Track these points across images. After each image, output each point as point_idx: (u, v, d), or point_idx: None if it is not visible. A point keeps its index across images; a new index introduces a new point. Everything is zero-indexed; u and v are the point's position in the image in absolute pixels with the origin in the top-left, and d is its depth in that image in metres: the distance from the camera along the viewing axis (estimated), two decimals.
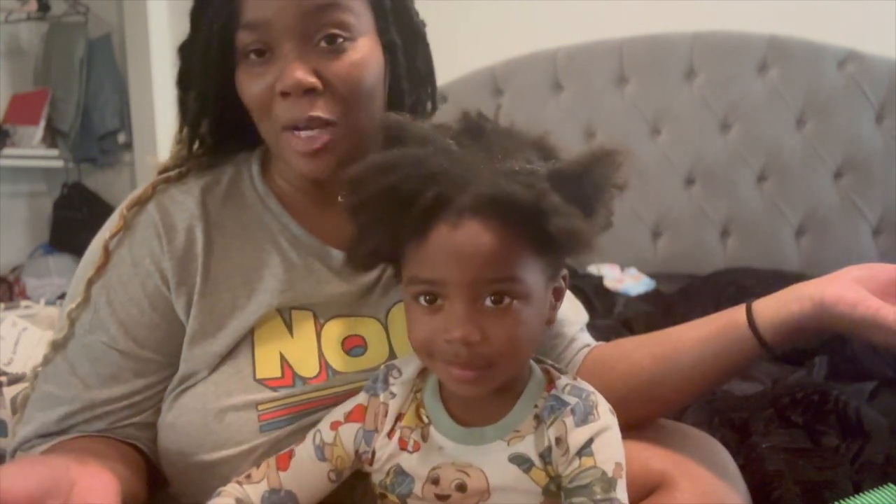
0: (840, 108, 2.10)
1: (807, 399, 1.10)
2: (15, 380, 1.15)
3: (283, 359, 0.73)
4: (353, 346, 0.76)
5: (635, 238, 2.26)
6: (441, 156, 0.58)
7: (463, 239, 0.56)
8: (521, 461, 0.61)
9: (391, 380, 0.67)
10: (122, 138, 3.05)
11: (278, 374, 0.72)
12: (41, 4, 2.85)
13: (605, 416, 0.61)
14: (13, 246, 2.98)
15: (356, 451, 0.66)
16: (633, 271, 2.12)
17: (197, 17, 0.73)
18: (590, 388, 0.63)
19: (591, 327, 1.63)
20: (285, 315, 0.75)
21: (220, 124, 0.78)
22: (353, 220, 0.62)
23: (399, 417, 0.65)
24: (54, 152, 2.97)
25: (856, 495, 0.65)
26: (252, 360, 0.72)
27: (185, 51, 0.76)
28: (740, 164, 2.18)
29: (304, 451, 0.66)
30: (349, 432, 0.66)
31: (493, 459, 0.61)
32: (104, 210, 0.77)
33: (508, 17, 2.36)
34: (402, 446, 0.64)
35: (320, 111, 0.69)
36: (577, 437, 0.59)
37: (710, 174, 2.21)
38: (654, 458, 0.71)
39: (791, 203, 2.15)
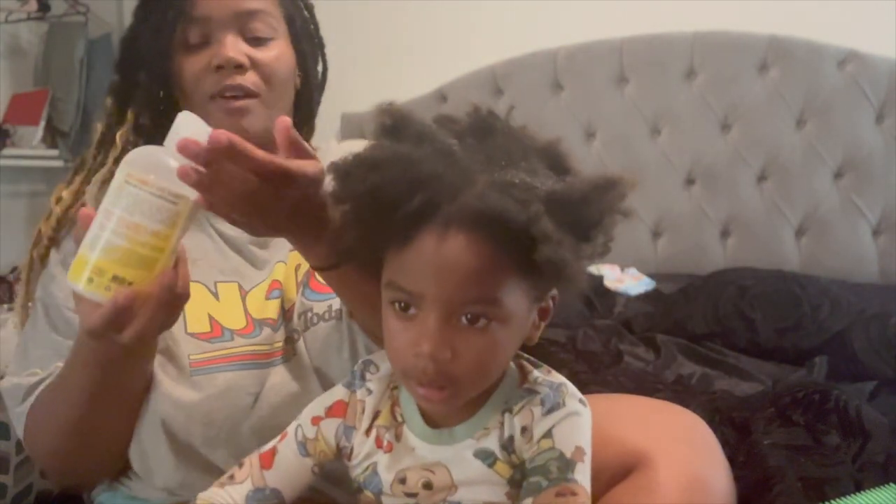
0: (840, 108, 2.10)
1: (807, 398, 1.10)
2: None
3: (210, 318, 0.83)
4: (272, 290, 0.86)
5: (635, 238, 2.25)
6: (435, 158, 0.54)
7: (447, 253, 0.53)
8: (484, 456, 0.61)
9: (368, 375, 0.67)
10: None
11: (207, 329, 0.82)
12: (41, 4, 2.84)
13: (573, 405, 0.60)
14: (13, 246, 2.96)
15: (338, 446, 0.66)
16: (633, 271, 2.12)
17: (146, 11, 0.88)
18: (561, 378, 0.63)
19: (592, 327, 1.64)
20: (211, 287, 0.84)
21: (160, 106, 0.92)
22: (336, 211, 0.59)
23: (376, 415, 0.65)
24: (54, 152, 2.95)
25: (857, 493, 0.65)
26: (183, 317, 0.79)
27: (130, 42, 0.92)
28: (740, 164, 2.17)
29: (286, 447, 0.67)
30: (330, 427, 0.66)
31: (458, 457, 0.61)
32: None
33: (508, 17, 2.35)
34: (378, 444, 0.64)
35: (246, 83, 0.86)
36: (542, 425, 0.59)
37: (710, 174, 2.21)
38: (632, 437, 0.71)
39: (791, 203, 2.15)
